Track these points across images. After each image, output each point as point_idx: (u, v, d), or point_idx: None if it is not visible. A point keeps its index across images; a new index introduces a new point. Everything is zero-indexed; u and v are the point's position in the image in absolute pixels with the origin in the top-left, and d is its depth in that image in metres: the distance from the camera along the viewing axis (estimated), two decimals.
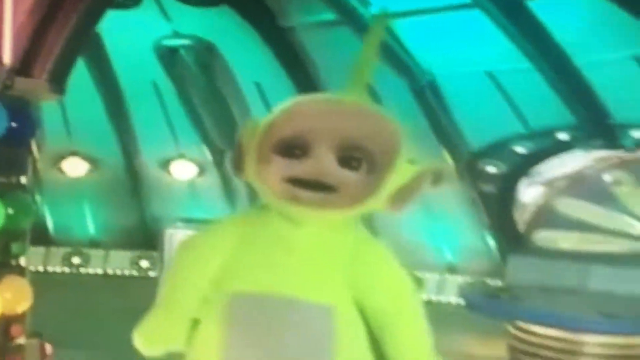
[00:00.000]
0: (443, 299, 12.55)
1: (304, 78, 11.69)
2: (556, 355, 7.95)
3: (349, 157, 2.97)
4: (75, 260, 14.40)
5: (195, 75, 13.23)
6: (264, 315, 2.98)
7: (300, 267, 3.03)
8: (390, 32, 10.93)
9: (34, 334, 5.07)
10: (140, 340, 3.21)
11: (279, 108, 3.11)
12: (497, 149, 11.83)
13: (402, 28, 10.86)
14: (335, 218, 3.05)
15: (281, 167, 2.98)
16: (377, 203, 3.03)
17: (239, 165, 3.14)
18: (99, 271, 14.38)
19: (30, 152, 4.86)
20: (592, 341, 7.90)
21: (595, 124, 10.61)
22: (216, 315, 3.04)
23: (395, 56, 11.21)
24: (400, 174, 3.01)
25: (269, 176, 3.01)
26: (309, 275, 3.02)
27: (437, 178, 3.22)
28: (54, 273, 14.03)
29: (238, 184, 12.32)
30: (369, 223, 3.21)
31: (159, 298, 3.21)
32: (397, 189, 3.03)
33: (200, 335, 3.12)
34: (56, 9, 4.87)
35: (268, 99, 12.37)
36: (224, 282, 3.07)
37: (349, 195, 2.97)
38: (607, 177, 11.05)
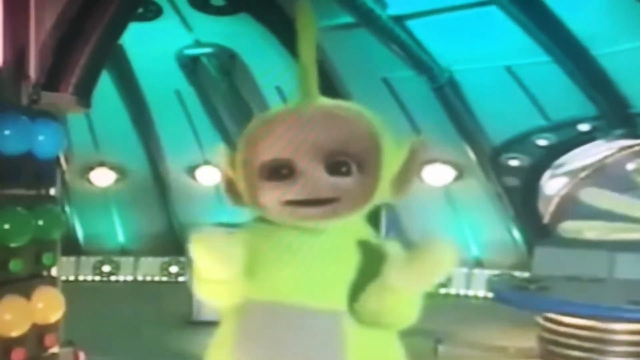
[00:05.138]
0: (471, 292, 12.60)
1: (323, 80, 11.73)
2: (586, 344, 7.94)
3: (336, 163, 2.89)
4: (106, 268, 14.53)
5: (218, 82, 13.34)
6: (274, 322, 2.93)
7: (308, 274, 2.93)
8: (408, 32, 11.00)
9: (67, 342, 5.09)
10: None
11: (248, 133, 3.02)
12: (519, 143, 11.87)
13: (420, 28, 10.93)
14: (341, 224, 2.96)
15: (274, 191, 2.92)
16: (379, 197, 2.94)
17: (232, 195, 3.09)
18: (129, 278, 14.51)
19: (58, 164, 4.89)
20: (622, 329, 7.89)
21: (616, 114, 10.62)
22: (232, 319, 3.02)
23: (415, 56, 11.27)
24: (391, 161, 2.93)
25: (264, 202, 2.94)
26: (317, 282, 2.93)
27: (424, 149, 3.03)
28: (85, 282, 14.18)
29: None
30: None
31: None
32: (395, 176, 2.95)
33: (217, 338, 3.09)
34: (80, 24, 4.92)
35: (289, 102, 12.40)
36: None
37: (350, 200, 2.90)
38: (629, 166, 11.03)
